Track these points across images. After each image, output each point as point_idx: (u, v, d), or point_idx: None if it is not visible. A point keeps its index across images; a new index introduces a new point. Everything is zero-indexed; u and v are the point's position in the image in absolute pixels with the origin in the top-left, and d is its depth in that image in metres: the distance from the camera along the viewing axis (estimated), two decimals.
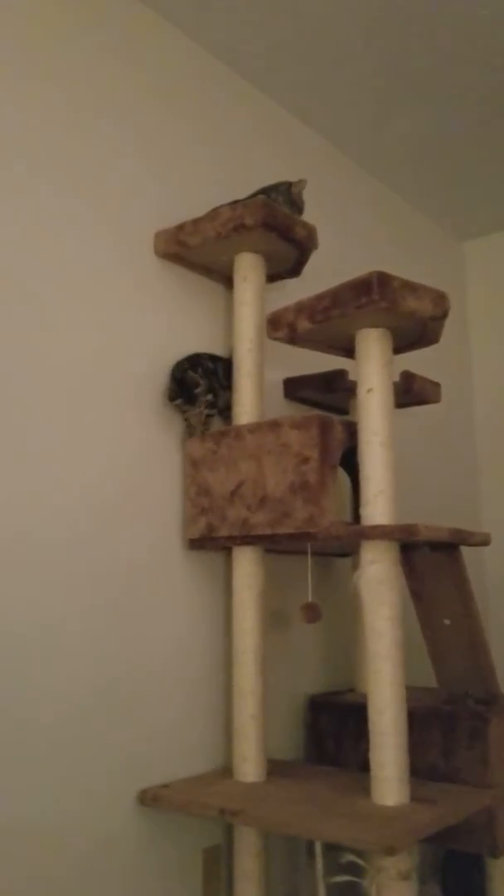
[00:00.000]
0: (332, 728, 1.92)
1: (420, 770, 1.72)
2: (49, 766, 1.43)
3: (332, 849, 1.67)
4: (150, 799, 1.55)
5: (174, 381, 1.75)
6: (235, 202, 1.75)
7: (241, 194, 1.92)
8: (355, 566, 1.59)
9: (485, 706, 1.75)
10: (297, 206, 1.86)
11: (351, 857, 1.62)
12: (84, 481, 1.57)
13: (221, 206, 1.76)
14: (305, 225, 1.81)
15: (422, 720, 1.75)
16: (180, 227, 1.78)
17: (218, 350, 1.90)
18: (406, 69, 2.11)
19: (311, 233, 1.82)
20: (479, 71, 2.12)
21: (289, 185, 1.85)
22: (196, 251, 1.79)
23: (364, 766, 1.53)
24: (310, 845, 1.74)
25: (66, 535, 1.52)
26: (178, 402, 1.75)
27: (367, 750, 1.50)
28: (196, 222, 1.76)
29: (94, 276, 1.65)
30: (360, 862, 1.58)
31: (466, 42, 2.01)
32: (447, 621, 1.81)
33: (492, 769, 1.67)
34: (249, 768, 1.64)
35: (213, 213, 1.75)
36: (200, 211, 1.86)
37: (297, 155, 2.30)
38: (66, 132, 1.64)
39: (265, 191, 1.84)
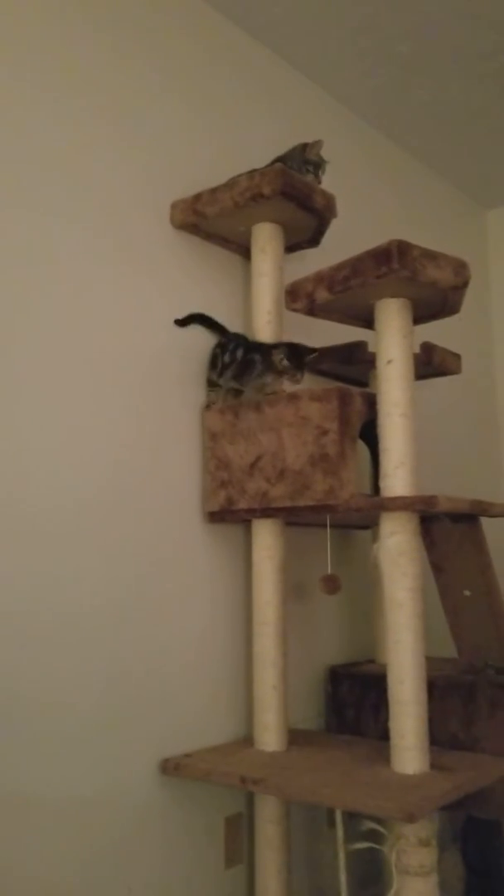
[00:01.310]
0: (353, 698, 1.93)
1: (440, 739, 1.73)
2: (74, 740, 1.46)
3: (352, 816, 1.69)
4: (172, 768, 1.58)
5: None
6: (253, 171, 1.72)
7: (259, 164, 1.89)
8: (375, 538, 1.59)
9: None
10: (316, 165, 1.82)
11: (371, 825, 1.63)
12: (104, 456, 1.57)
13: (239, 176, 1.74)
14: (324, 193, 1.78)
15: (442, 690, 1.76)
16: (197, 197, 1.76)
17: (236, 323, 1.89)
18: (430, 34, 2.06)
19: (329, 201, 1.79)
20: (502, 36, 2.06)
21: (303, 146, 1.82)
22: (213, 221, 1.78)
23: (384, 736, 1.54)
24: (330, 813, 1.76)
25: (87, 510, 1.53)
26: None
27: (387, 719, 1.51)
28: (213, 192, 1.74)
29: (110, 247, 1.64)
30: (381, 829, 1.60)
31: (491, 6, 1.95)
32: (467, 592, 1.81)
33: None
34: (270, 738, 1.66)
35: (231, 183, 1.73)
36: (218, 181, 1.84)
37: (316, 122, 2.26)
38: (81, 104, 1.62)
39: (281, 159, 1.81)
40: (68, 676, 1.46)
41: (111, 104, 1.69)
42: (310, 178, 1.82)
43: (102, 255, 1.63)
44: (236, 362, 1.74)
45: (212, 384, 1.80)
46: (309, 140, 1.83)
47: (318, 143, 1.82)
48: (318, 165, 1.82)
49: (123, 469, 1.61)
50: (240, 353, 1.75)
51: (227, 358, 1.76)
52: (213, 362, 1.79)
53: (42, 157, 1.54)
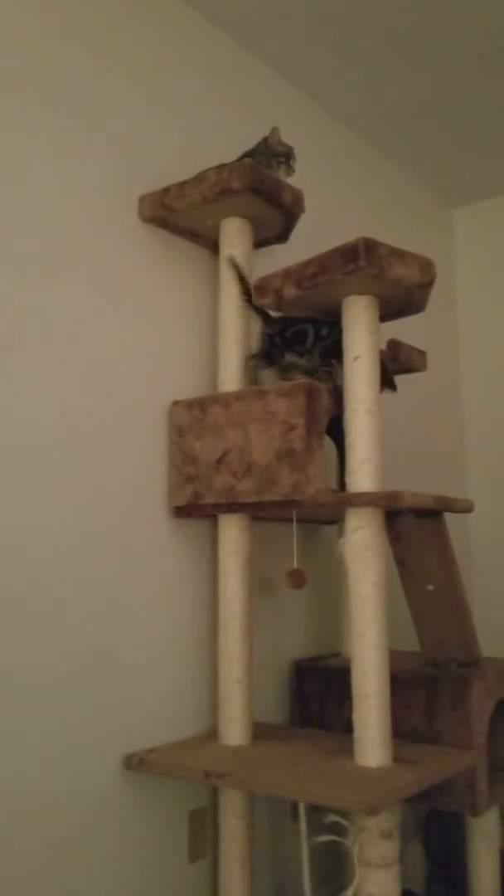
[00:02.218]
0: (317, 692, 1.94)
1: (403, 732, 1.75)
2: (35, 733, 1.45)
3: (315, 809, 1.70)
4: (136, 763, 1.57)
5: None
6: (222, 166, 1.72)
7: (228, 158, 1.88)
8: (341, 533, 1.60)
9: (467, 669, 1.77)
10: (286, 155, 1.81)
11: (334, 818, 1.65)
12: (69, 451, 1.56)
13: (208, 170, 1.73)
14: (293, 189, 1.78)
15: (405, 683, 1.78)
16: (166, 191, 1.75)
17: (204, 318, 1.89)
18: (398, 32, 2.07)
19: (298, 197, 1.80)
20: (472, 36, 2.08)
21: (265, 139, 1.82)
22: (182, 215, 1.77)
23: (348, 729, 1.56)
24: (294, 806, 1.77)
25: (52, 505, 1.52)
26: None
27: (351, 713, 1.53)
28: (182, 186, 1.74)
29: (75, 240, 1.63)
30: (344, 822, 1.61)
31: (459, 6, 1.97)
32: (431, 587, 1.83)
33: (473, 731, 1.70)
34: (235, 732, 1.67)
35: (200, 177, 1.73)
36: (187, 175, 1.83)
37: (285, 117, 2.26)
38: (49, 92, 1.61)
39: (249, 154, 1.81)
40: (28, 670, 1.45)
41: (78, 96, 1.67)
42: (282, 169, 1.81)
43: (67, 248, 1.61)
44: (330, 340, 1.68)
45: (288, 368, 1.72)
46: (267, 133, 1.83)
47: (275, 130, 1.81)
48: (287, 156, 1.82)
49: (89, 463, 1.60)
50: (332, 332, 1.67)
51: (324, 331, 1.69)
52: (300, 338, 1.71)
53: (7, 148, 1.52)
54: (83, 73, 1.68)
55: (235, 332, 1.77)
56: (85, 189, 1.66)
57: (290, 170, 1.82)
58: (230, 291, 1.79)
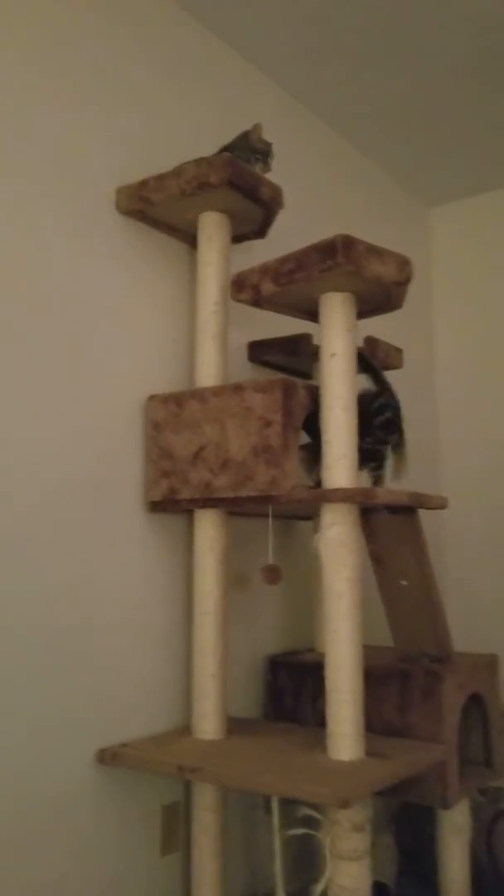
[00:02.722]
0: (291, 686, 1.95)
1: (376, 726, 1.76)
2: (6, 726, 1.44)
3: (288, 803, 1.71)
4: (109, 758, 1.57)
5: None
6: (201, 159, 1.72)
7: (207, 152, 1.88)
8: (316, 529, 1.61)
9: (439, 665, 1.79)
10: (264, 152, 1.81)
11: (307, 811, 1.66)
12: (45, 443, 1.55)
13: (186, 163, 1.73)
14: (271, 185, 1.78)
15: (378, 678, 1.79)
16: (143, 183, 1.74)
17: (181, 312, 1.89)
18: (379, 31, 2.08)
19: (276, 193, 1.80)
20: (452, 35, 2.09)
21: (245, 134, 1.82)
22: (160, 208, 1.76)
23: (321, 723, 1.57)
24: (267, 800, 1.78)
25: (26, 498, 1.51)
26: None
27: (324, 707, 1.54)
28: (160, 178, 1.73)
29: (50, 230, 1.62)
30: (316, 815, 1.62)
31: (441, 5, 1.98)
32: (404, 582, 1.84)
33: (444, 725, 1.71)
34: (209, 726, 1.67)
35: (178, 170, 1.72)
36: (166, 168, 1.82)
37: (265, 113, 2.26)
38: (24, 79, 1.59)
39: (228, 148, 1.81)
40: (1, 663, 1.44)
41: (56, 85, 1.65)
42: (259, 166, 1.81)
43: (42, 239, 1.60)
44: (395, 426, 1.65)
45: (375, 458, 1.65)
46: (249, 127, 1.83)
47: (257, 127, 1.81)
48: (265, 153, 1.82)
49: (64, 457, 1.59)
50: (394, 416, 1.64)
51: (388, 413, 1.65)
52: (389, 427, 1.64)
53: None
54: (63, 63, 1.67)
55: (213, 327, 1.77)
56: (60, 179, 1.64)
57: (266, 167, 1.83)
58: (208, 287, 1.78)
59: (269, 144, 1.83)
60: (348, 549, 1.53)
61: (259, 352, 2.08)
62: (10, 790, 1.43)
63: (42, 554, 1.53)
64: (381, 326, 2.02)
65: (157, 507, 1.74)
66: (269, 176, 1.82)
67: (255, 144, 1.80)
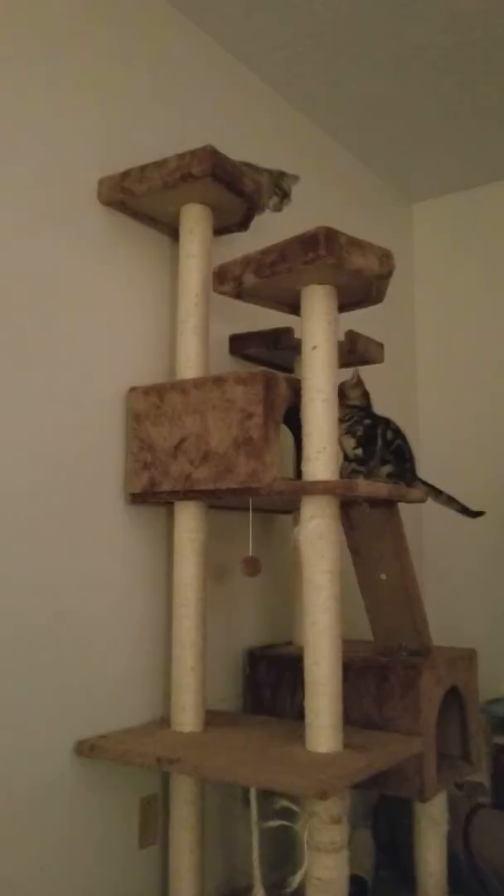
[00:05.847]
0: (270, 679, 1.95)
1: (354, 719, 1.77)
2: None
3: (266, 795, 1.71)
4: (87, 749, 1.56)
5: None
6: (184, 152, 1.71)
7: (191, 145, 1.87)
8: (296, 522, 1.61)
9: (417, 658, 1.80)
10: (285, 194, 1.92)
11: (285, 803, 1.66)
12: (25, 435, 1.54)
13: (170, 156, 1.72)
14: (254, 178, 1.78)
15: (357, 671, 1.80)
16: (126, 174, 1.73)
17: (163, 304, 1.88)
18: (360, 26, 2.08)
19: (259, 186, 1.79)
20: (432, 31, 2.10)
21: (282, 173, 1.91)
22: (142, 200, 1.75)
23: (300, 716, 1.57)
24: (245, 792, 1.78)
25: (6, 490, 1.50)
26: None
27: (303, 700, 1.54)
28: (143, 169, 1.72)
29: (31, 220, 1.60)
30: (294, 807, 1.62)
31: (422, 1, 1.99)
32: (383, 576, 1.85)
33: (422, 718, 1.72)
34: (187, 718, 1.67)
35: (161, 161, 1.71)
36: (149, 160, 1.81)
37: (248, 107, 2.26)
38: (8, 68, 1.57)
39: (256, 167, 1.87)
40: None
41: (39, 75, 1.64)
42: (274, 200, 1.92)
43: (22, 227, 1.58)
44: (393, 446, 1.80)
45: (360, 461, 1.78)
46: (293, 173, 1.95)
47: (294, 178, 1.94)
48: (286, 195, 1.93)
49: (44, 449, 1.58)
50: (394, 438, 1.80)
51: (389, 436, 1.81)
52: (369, 439, 1.78)
53: None
54: (49, 53, 1.65)
55: (194, 319, 1.76)
56: (42, 169, 1.63)
57: (279, 205, 1.93)
58: (189, 278, 1.78)
59: (290, 193, 1.94)
60: (327, 542, 1.54)
61: (240, 345, 2.08)
62: None
63: (20, 546, 1.51)
64: (362, 321, 2.02)
65: (138, 498, 1.73)
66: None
67: (284, 187, 1.92)
